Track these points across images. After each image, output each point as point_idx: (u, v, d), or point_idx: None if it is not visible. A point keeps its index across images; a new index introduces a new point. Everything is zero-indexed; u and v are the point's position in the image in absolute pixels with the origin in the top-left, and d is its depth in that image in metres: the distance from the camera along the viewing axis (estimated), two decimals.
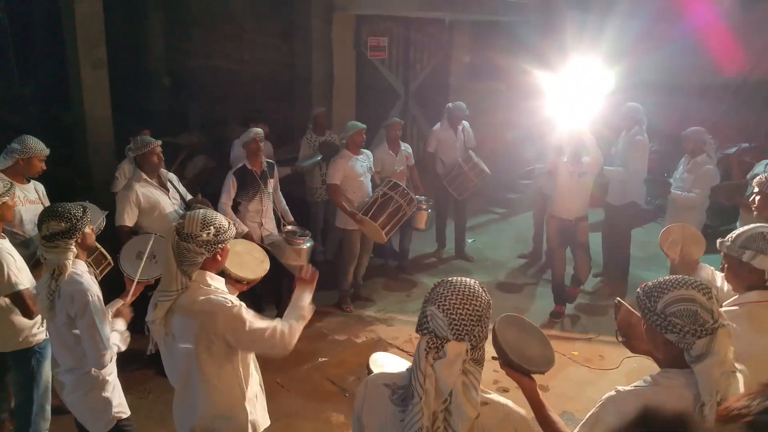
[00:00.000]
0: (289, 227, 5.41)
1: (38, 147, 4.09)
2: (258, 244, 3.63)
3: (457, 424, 1.64)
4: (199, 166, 6.78)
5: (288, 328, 2.48)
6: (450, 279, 1.78)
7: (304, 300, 2.66)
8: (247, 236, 4.92)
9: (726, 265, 2.53)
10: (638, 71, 6.86)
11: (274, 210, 5.44)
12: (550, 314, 5.89)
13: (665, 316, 1.77)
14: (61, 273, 2.71)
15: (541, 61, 6.94)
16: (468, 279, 1.78)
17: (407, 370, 1.78)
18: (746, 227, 2.48)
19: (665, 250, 3.51)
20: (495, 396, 1.79)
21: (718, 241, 2.57)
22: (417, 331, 1.73)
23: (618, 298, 2.37)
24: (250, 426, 2.56)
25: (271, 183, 5.37)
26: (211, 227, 2.37)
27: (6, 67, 10.45)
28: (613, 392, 1.84)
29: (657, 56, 7.71)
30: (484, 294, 1.75)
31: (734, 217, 5.13)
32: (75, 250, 2.77)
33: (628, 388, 1.84)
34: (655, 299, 1.81)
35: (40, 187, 4.26)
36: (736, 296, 2.44)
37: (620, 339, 2.31)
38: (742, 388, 1.71)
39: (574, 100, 5.62)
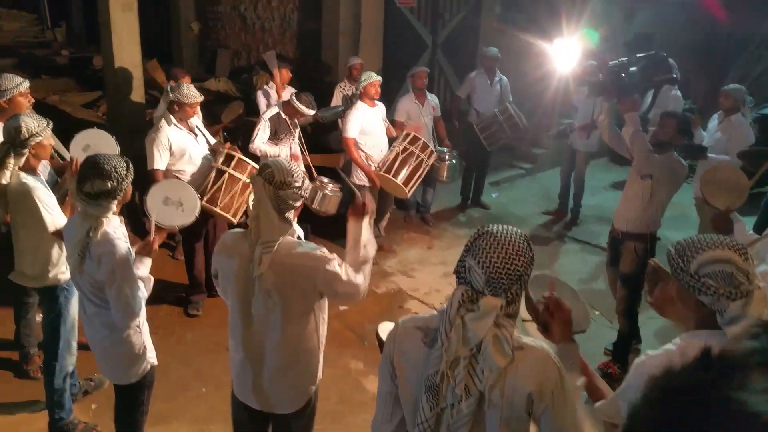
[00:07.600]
0: (323, 178, 5.42)
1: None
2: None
3: (482, 372, 1.64)
4: (237, 112, 6.72)
5: (366, 278, 2.49)
6: (493, 230, 1.69)
7: (364, 236, 2.55)
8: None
9: None
10: None
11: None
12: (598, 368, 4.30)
13: (699, 278, 1.68)
14: (96, 230, 2.64)
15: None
16: (513, 231, 1.69)
17: (439, 312, 1.76)
18: None
19: (709, 199, 3.39)
20: (531, 340, 1.73)
21: None
22: (456, 277, 1.72)
23: (653, 259, 2.32)
24: (319, 373, 2.62)
25: (296, 131, 5.40)
26: (297, 175, 2.36)
27: (38, 11, 10.48)
28: (642, 356, 1.81)
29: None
30: (527, 250, 1.67)
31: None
32: (115, 207, 2.73)
33: (656, 351, 1.78)
34: (689, 259, 1.71)
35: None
36: None
37: (649, 300, 2.27)
38: None
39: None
